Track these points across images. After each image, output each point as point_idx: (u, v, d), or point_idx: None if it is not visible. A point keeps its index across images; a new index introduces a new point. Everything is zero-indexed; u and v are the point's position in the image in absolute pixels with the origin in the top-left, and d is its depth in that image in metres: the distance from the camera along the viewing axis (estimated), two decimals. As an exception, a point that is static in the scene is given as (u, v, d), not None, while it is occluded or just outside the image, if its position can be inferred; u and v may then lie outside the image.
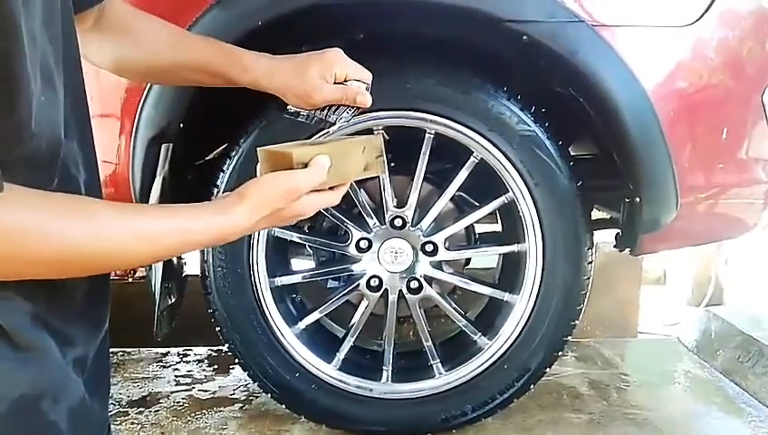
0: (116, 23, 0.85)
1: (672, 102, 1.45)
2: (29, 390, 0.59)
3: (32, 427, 0.60)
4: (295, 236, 1.66)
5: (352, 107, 0.94)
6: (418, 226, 1.62)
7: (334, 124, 0.95)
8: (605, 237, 1.88)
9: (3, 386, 0.57)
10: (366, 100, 0.93)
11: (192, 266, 1.71)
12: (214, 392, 1.96)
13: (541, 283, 1.57)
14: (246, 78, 0.91)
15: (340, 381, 1.64)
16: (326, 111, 0.94)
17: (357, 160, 0.77)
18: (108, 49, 0.85)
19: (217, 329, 1.62)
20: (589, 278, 1.60)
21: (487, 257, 2.00)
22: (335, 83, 0.91)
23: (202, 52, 0.91)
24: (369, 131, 1.52)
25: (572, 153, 1.64)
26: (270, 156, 0.73)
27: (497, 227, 1.89)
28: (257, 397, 1.89)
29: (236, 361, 1.65)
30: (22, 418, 0.58)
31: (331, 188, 0.74)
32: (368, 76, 0.94)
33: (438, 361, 1.65)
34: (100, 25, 0.83)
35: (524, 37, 1.38)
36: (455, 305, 1.70)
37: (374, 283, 1.64)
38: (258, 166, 0.74)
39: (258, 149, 0.74)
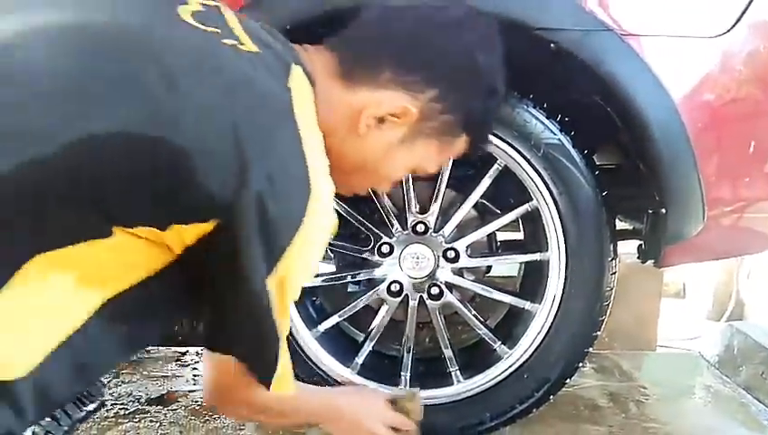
0: None
1: (700, 114, 1.44)
2: None
3: None
4: (317, 240, 1.66)
5: None
6: (441, 232, 1.62)
7: None
8: (625, 249, 1.86)
9: None
10: None
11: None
12: (231, 393, 1.96)
13: (563, 292, 1.56)
14: None
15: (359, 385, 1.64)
16: None
17: None
18: None
19: (238, 330, 1.62)
20: (612, 289, 1.59)
21: (508, 265, 1.99)
22: None
23: None
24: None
25: (597, 162, 1.63)
26: None
27: (519, 235, 1.88)
28: (274, 399, 1.89)
29: (255, 362, 1.65)
30: None
31: None
32: None
33: (457, 368, 1.65)
34: None
35: (552, 45, 1.38)
36: (474, 313, 1.69)
37: (395, 288, 1.64)
38: None
39: None
